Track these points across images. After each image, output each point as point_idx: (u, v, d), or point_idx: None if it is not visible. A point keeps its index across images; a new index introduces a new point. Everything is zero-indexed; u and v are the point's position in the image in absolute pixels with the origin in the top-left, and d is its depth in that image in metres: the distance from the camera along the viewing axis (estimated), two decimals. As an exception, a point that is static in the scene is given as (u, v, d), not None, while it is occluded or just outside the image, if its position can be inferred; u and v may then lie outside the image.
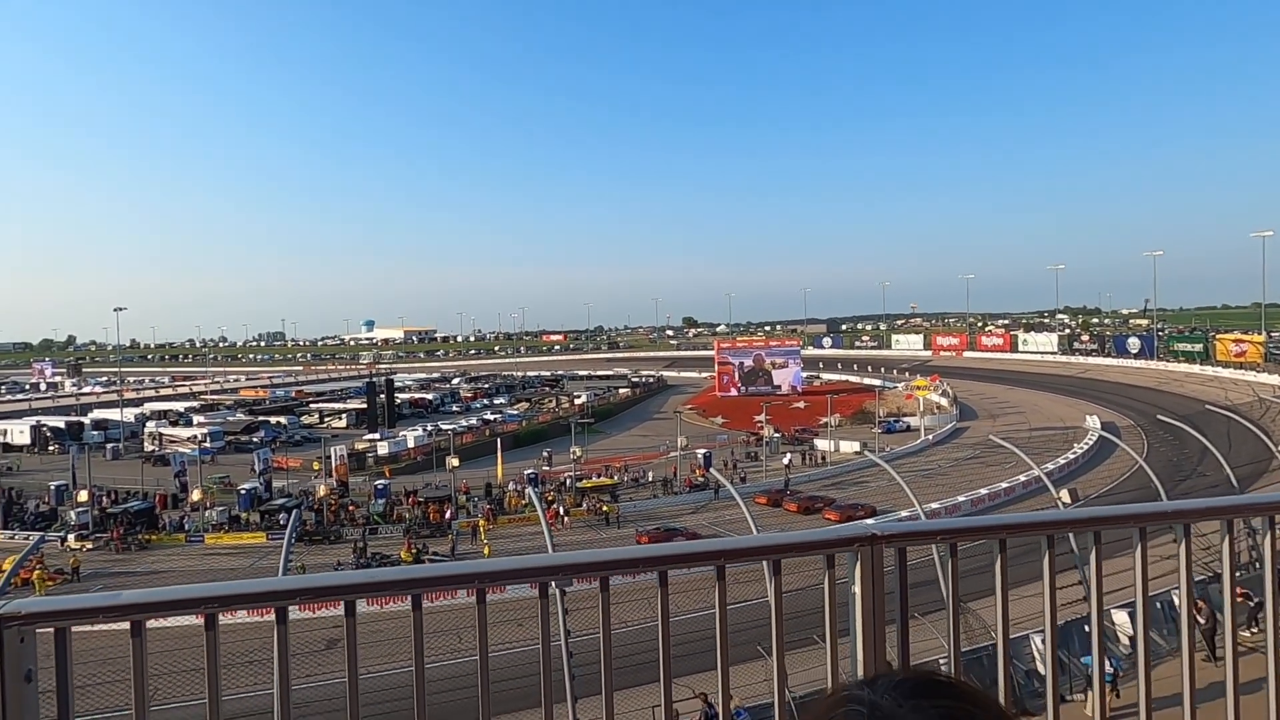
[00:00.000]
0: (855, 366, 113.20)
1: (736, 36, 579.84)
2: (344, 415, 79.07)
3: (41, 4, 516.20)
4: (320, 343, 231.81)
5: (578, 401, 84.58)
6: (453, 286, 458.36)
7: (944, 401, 74.98)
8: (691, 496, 44.71)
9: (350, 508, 42.08)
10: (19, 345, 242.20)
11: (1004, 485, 40.61)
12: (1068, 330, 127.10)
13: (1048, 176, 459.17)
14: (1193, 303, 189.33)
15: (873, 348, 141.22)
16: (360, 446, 58.54)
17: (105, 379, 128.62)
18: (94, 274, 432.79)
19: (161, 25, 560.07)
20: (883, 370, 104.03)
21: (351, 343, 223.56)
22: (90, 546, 36.96)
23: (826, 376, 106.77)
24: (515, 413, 78.99)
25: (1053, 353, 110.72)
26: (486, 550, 33.46)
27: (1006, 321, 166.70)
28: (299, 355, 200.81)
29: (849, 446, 57.76)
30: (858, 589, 1.84)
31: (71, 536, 37.42)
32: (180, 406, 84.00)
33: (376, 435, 63.50)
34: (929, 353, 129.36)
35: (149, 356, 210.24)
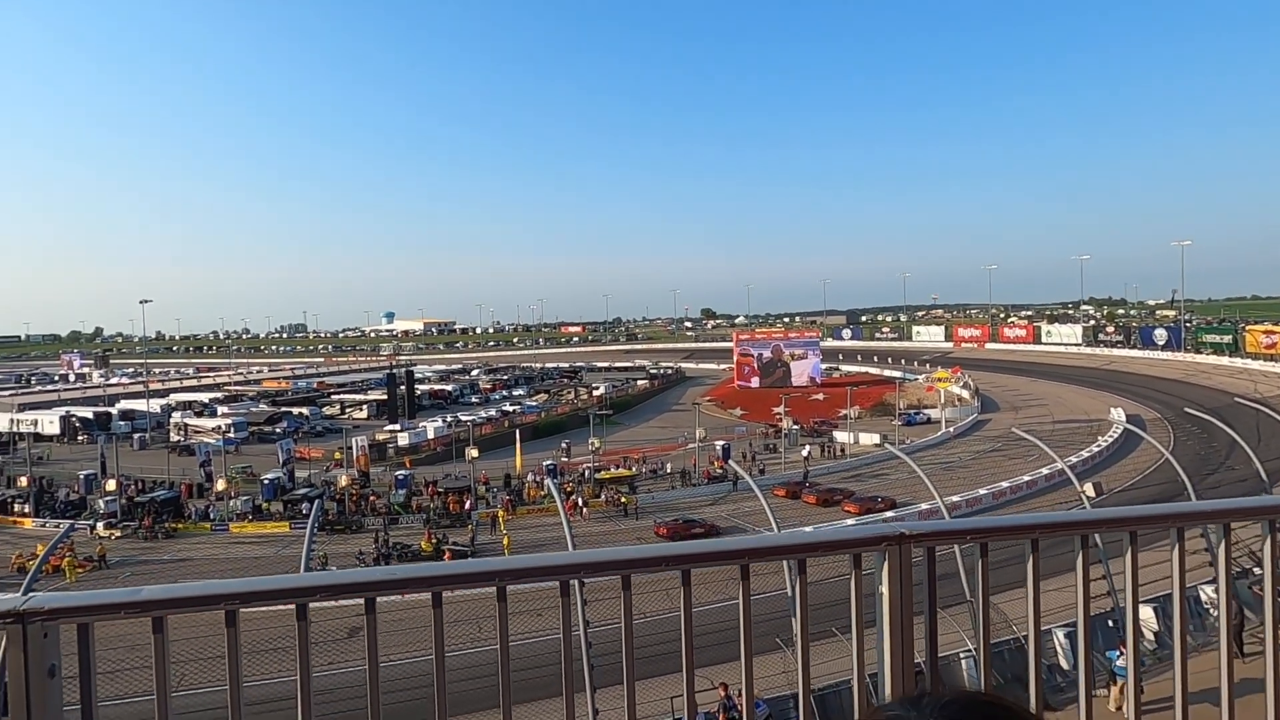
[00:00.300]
0: (875, 358, 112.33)
1: (756, 27, 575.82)
2: (365, 406, 79.74)
3: (73, 2, 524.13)
4: (341, 334, 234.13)
5: (596, 393, 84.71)
6: (472, 278, 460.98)
7: (965, 394, 74.22)
8: (710, 488, 44.68)
9: (372, 498, 42.51)
10: (48, 337, 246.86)
11: (1026, 478, 40.18)
12: (1092, 321, 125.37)
13: (1073, 165, 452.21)
14: (1221, 293, 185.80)
15: (893, 339, 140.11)
16: (381, 437, 59.07)
17: (132, 370, 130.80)
18: (120, 267, 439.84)
19: (185, 20, 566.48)
20: (903, 362, 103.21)
21: (372, 334, 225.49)
22: (118, 534, 37.67)
23: (846, 368, 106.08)
24: (534, 404, 79.31)
25: (1077, 344, 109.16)
26: (506, 540, 33.66)
27: (1030, 313, 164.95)
28: (320, 347, 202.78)
29: (869, 439, 57.39)
30: (885, 589, 1.81)
31: (100, 524, 38.13)
32: (205, 397, 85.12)
33: (397, 426, 63.99)
34: (950, 344, 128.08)
35: (174, 348, 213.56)
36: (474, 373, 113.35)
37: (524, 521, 38.76)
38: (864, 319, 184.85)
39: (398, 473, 46.45)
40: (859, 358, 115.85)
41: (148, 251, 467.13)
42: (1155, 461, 40.64)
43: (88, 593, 1.50)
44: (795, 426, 61.12)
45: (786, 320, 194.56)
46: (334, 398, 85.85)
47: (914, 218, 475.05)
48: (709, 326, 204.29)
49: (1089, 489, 21.34)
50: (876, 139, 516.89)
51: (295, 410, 75.33)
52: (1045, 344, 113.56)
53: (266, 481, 43.63)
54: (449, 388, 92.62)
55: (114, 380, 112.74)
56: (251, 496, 42.28)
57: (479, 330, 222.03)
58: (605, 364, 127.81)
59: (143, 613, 1.47)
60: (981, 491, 38.00)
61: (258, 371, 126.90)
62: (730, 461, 45.12)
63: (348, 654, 11.95)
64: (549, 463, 48.35)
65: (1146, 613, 14.80)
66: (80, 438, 65.48)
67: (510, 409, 73.96)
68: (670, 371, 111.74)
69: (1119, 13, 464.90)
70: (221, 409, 75.50)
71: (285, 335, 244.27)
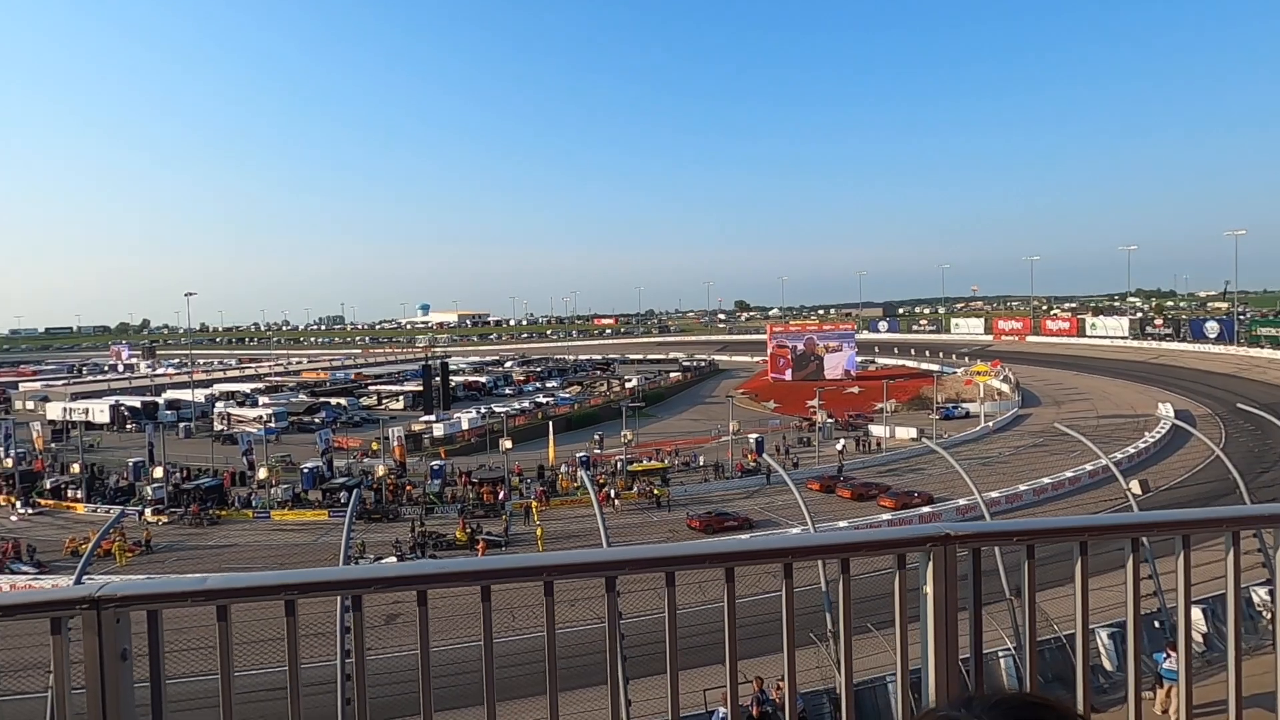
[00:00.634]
0: (912, 351, 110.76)
1: (792, 17, 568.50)
2: (401, 397, 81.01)
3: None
4: (378, 326, 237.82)
5: (629, 385, 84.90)
6: (505, 270, 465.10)
7: (1005, 387, 72.78)
8: (743, 481, 44.54)
9: (408, 487, 43.20)
10: (98, 329, 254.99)
11: (1069, 475, 39.31)
12: (1140, 314, 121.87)
13: (1120, 153, 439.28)
14: (1278, 284, 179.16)
15: (931, 332, 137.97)
16: (417, 428, 59.95)
17: (177, 361, 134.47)
18: (167, 260, 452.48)
19: (237, 13, 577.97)
20: (941, 355, 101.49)
21: (408, 326, 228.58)
22: (165, 520, 38.87)
23: (882, 361, 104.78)
24: (567, 396, 79.77)
25: (1123, 337, 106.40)
26: (539, 531, 33.98)
27: (1074, 305, 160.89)
28: (357, 339, 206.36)
29: (905, 433, 56.66)
30: (929, 589, 1.80)
31: (148, 510, 39.37)
32: (246, 388, 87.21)
33: (432, 417, 64.89)
34: (990, 337, 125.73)
35: (217, 339, 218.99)
36: (507, 364, 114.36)
37: (557, 513, 39.08)
38: (901, 311, 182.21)
39: (433, 463, 47.12)
40: (895, 350, 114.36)
41: (193, 245, 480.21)
42: (1205, 459, 39.48)
43: (157, 580, 1.57)
44: (830, 420, 60.58)
45: (821, 313, 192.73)
46: (371, 389, 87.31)
47: (954, 208, 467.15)
48: (742, 319, 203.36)
49: (1135, 486, 20.79)
50: (915, 129, 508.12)
51: (333, 401, 76.83)
52: (1089, 337, 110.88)
53: (306, 470, 44.63)
54: (483, 379, 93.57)
55: (160, 371, 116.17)
56: (291, 485, 43.28)
57: (512, 322, 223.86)
58: (638, 356, 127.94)
59: (208, 601, 1.53)
60: (1022, 488, 37.28)
61: (297, 363, 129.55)
62: (764, 455, 44.99)
63: (386, 640, 12.21)
64: (582, 454, 48.64)
65: (1195, 615, 14.43)
66: (129, 426, 67.59)
67: (543, 401, 74.51)
68: (703, 364, 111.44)
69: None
70: (263, 399, 77.30)
71: (323, 327, 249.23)
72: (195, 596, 1.53)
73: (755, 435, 51.43)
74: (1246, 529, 2.00)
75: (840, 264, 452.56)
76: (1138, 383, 75.66)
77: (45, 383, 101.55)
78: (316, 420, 66.17)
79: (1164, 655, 13.31)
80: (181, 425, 66.78)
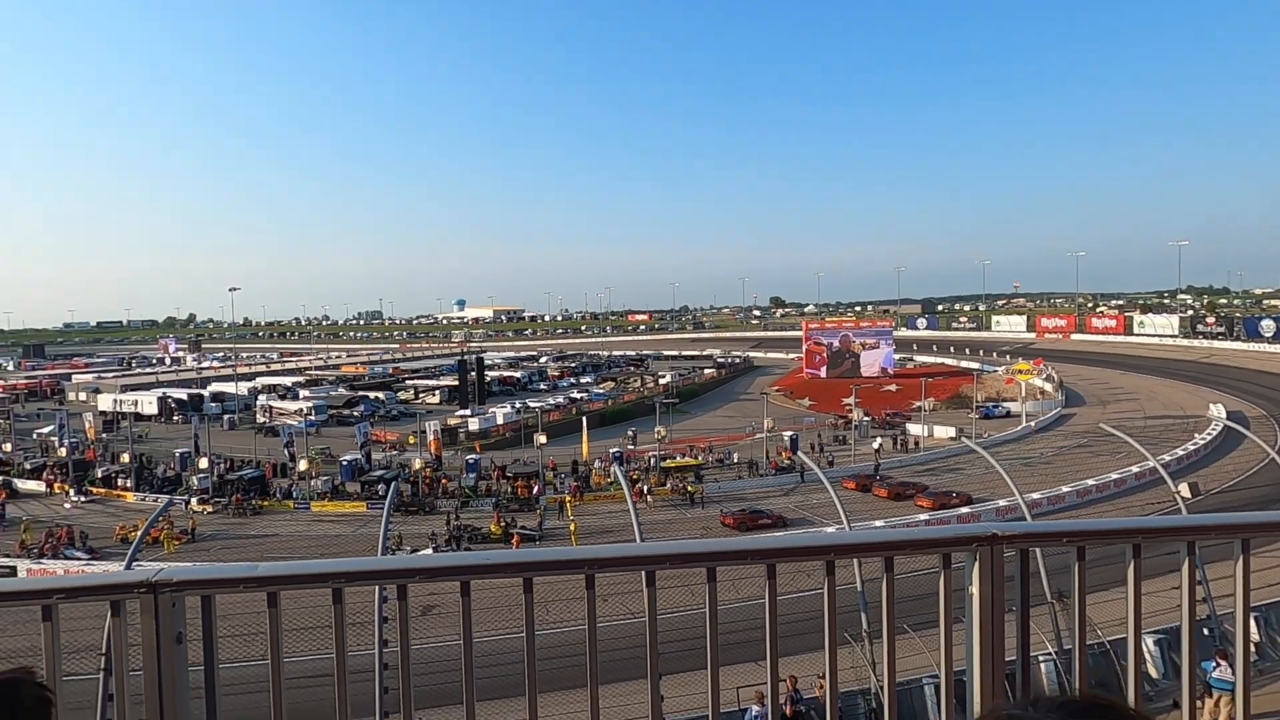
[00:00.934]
0: (951, 349, 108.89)
1: (826, 13, 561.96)
2: (437, 392, 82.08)
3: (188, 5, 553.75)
4: (415, 321, 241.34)
5: (663, 381, 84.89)
6: (540, 266, 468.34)
7: (1048, 386, 71.14)
8: (777, 479, 44.26)
9: (444, 481, 43.78)
10: (147, 322, 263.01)
11: (1114, 476, 38.30)
12: (1191, 312, 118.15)
13: (1170, 143, 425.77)
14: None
15: (971, 329, 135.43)
16: (453, 422, 60.68)
17: (221, 354, 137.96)
18: (212, 256, 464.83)
19: (282, 19, 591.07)
20: (981, 353, 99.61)
21: (444, 321, 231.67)
22: (210, 510, 39.96)
23: (920, 359, 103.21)
24: (601, 391, 79.99)
25: (1173, 336, 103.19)
26: (573, 526, 34.18)
27: (1121, 302, 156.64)
28: (395, 334, 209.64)
29: (943, 432, 55.72)
30: (976, 589, 1.77)
31: (194, 500, 40.52)
32: (288, 381, 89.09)
33: (468, 411, 65.62)
34: (1032, 335, 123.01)
35: (259, 334, 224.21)
36: (542, 360, 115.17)
37: (591, 507, 39.27)
38: (940, 308, 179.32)
39: (468, 457, 47.66)
40: (934, 348, 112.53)
41: (237, 242, 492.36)
42: (1259, 461, 38.19)
43: (211, 566, 1.62)
44: (866, 418, 59.85)
45: (858, 309, 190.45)
46: (408, 383, 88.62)
47: (995, 203, 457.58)
48: (777, 315, 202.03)
49: (1184, 489, 20.15)
50: (955, 122, 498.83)
51: (372, 394, 78.13)
52: (1137, 335, 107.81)
53: (345, 463, 45.51)
54: (518, 374, 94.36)
55: (206, 364, 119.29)
56: (331, 477, 44.16)
57: (547, 318, 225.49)
58: (673, 352, 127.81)
59: (259, 587, 1.57)
60: (1065, 489, 36.44)
61: (337, 357, 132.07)
62: (799, 452, 44.66)
63: (422, 630, 12.41)
64: (615, 450, 48.74)
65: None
66: (175, 418, 69.54)
67: (578, 396, 74.86)
68: (738, 360, 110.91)
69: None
70: (303, 392, 78.89)
71: (362, 322, 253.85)
72: (247, 583, 1.58)
73: (790, 433, 51.05)
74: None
75: (877, 260, 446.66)
76: (1188, 382, 73.34)
77: (97, 375, 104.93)
78: (355, 413, 67.42)
79: (1213, 664, 12.90)
80: (226, 417, 68.50)
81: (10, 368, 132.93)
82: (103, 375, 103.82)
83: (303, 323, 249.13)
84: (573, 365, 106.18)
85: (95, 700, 7.48)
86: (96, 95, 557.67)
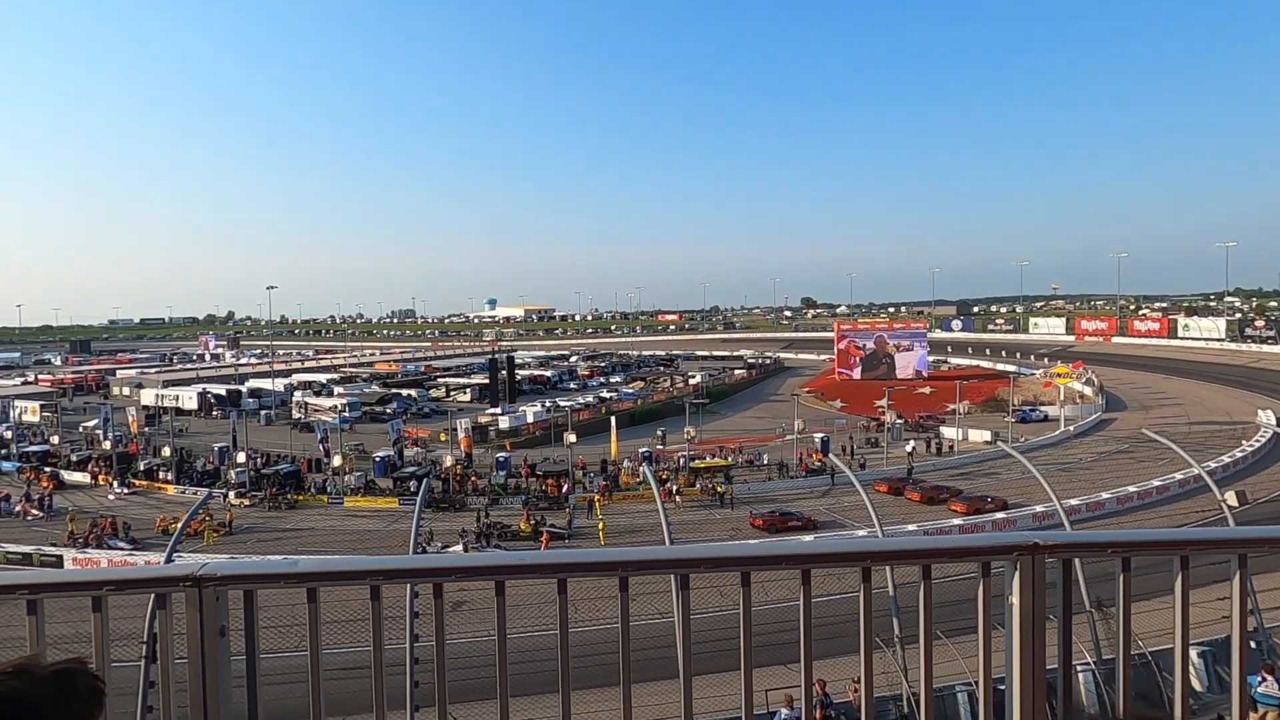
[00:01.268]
0: (988, 351, 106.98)
1: (861, 12, 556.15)
2: (468, 390, 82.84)
3: (218, 5, 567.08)
4: (447, 320, 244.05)
5: (692, 381, 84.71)
6: (571, 266, 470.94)
7: (1088, 390, 69.49)
8: (807, 481, 43.91)
9: (474, 478, 44.20)
10: (187, 320, 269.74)
11: (1156, 483, 37.31)
12: (1238, 315, 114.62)
13: (1217, 140, 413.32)
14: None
15: (1008, 331, 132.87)
16: (483, 420, 61.22)
17: (259, 351, 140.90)
18: (251, 255, 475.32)
19: (313, 24, 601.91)
20: (1018, 355, 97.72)
21: (475, 320, 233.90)
22: (247, 504, 40.84)
23: (955, 361, 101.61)
24: (630, 391, 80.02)
25: (1219, 339, 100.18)
26: (602, 525, 34.27)
27: (1164, 304, 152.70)
28: (427, 332, 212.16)
29: (979, 435, 54.78)
30: (1016, 598, 1.74)
31: (232, 494, 41.46)
32: (323, 378, 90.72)
33: (498, 410, 66.11)
34: (1071, 337, 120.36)
35: (295, 331, 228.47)
36: (572, 359, 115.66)
37: (620, 507, 39.33)
38: (976, 310, 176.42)
39: (499, 455, 48.04)
40: (970, 350, 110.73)
41: (275, 242, 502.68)
42: (1310, 470, 36.95)
43: (253, 561, 1.65)
44: (899, 420, 59.08)
45: (892, 310, 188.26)
46: (440, 381, 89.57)
47: (1032, 202, 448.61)
48: (809, 316, 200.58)
49: (1231, 497, 19.61)
50: (991, 118, 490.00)
51: (404, 392, 79.11)
52: (1181, 338, 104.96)
53: (378, 459, 46.18)
54: (548, 373, 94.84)
55: (244, 360, 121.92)
56: (364, 473, 44.85)
57: (577, 317, 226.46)
58: (703, 353, 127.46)
59: (300, 583, 1.60)
60: (1104, 496, 35.57)
61: (370, 355, 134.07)
62: (830, 454, 44.24)
63: (453, 626, 12.54)
64: (645, 450, 48.73)
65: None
66: (214, 413, 71.21)
67: (607, 395, 75.00)
68: (769, 361, 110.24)
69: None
70: (337, 389, 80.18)
71: (395, 320, 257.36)
72: (288, 579, 1.61)
73: (821, 434, 50.60)
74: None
75: (911, 260, 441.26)
76: (1234, 387, 71.16)
77: (140, 370, 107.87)
78: (388, 410, 68.32)
79: (1259, 678, 12.51)
80: (263, 413, 69.89)
81: (58, 363, 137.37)
82: (145, 371, 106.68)
83: (337, 320, 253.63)
84: (603, 365, 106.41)
85: (135, 686, 7.68)
86: (141, 100, 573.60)
